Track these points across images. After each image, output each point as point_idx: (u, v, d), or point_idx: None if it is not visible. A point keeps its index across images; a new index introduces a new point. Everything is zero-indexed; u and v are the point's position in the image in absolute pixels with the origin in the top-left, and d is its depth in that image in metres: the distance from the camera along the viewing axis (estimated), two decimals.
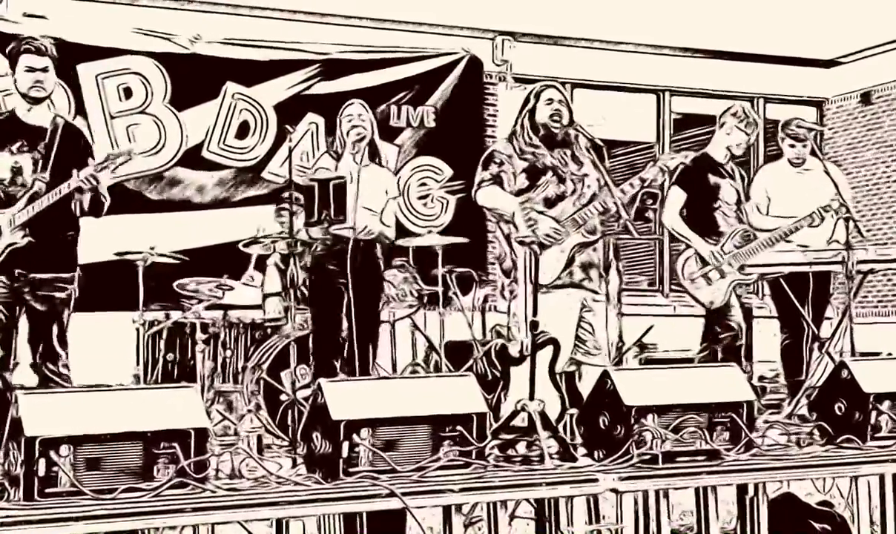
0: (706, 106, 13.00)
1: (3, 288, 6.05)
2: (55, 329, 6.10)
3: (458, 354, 7.51)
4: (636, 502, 5.49)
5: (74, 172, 5.97)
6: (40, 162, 6.02)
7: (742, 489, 5.71)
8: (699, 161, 7.79)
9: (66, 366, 6.13)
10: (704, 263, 7.72)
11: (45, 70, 6.06)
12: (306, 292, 6.61)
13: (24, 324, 6.21)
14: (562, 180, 6.49)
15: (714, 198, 7.82)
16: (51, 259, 6.11)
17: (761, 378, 9.22)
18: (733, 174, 7.90)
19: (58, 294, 6.10)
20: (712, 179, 7.84)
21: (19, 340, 6.26)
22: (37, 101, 6.09)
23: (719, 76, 12.79)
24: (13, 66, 6.08)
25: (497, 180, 6.50)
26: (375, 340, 7.00)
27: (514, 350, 5.94)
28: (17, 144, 6.02)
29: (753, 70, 12.86)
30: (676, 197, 7.80)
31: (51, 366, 6.07)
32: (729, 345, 7.82)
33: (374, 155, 6.98)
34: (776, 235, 7.64)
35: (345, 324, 6.56)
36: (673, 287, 12.54)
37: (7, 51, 6.19)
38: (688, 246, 7.82)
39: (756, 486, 5.69)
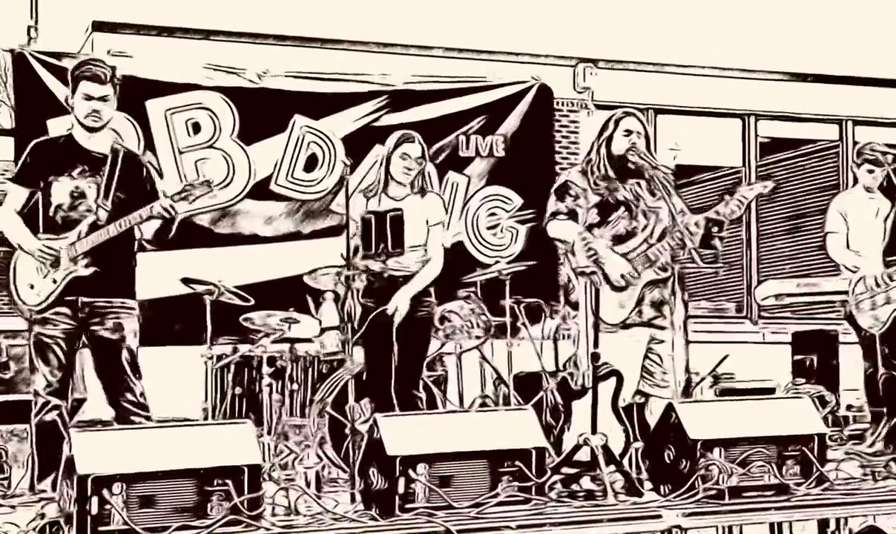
0: (793, 130, 12.80)
1: (65, 318, 5.91)
2: (127, 358, 5.95)
3: (528, 385, 7.42)
4: None
5: (157, 202, 5.84)
6: (102, 189, 5.88)
7: (823, 524, 5.54)
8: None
9: (143, 395, 5.98)
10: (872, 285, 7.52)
11: (103, 99, 5.90)
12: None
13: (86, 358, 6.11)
14: (633, 216, 6.36)
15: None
16: (115, 286, 5.95)
17: (849, 407, 9.01)
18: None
19: (127, 321, 5.95)
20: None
21: (85, 374, 6.20)
22: (92, 130, 5.94)
23: (806, 99, 12.55)
24: (73, 89, 5.94)
25: (573, 215, 6.38)
26: (416, 384, 6.72)
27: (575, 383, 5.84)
28: (78, 170, 5.90)
29: (841, 92, 12.59)
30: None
31: (130, 397, 5.94)
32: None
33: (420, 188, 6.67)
34: None
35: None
36: (762, 314, 12.31)
37: (70, 72, 6.04)
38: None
39: (838, 520, 5.51)
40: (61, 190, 5.91)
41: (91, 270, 5.87)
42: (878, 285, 7.38)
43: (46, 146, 6.13)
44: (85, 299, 5.90)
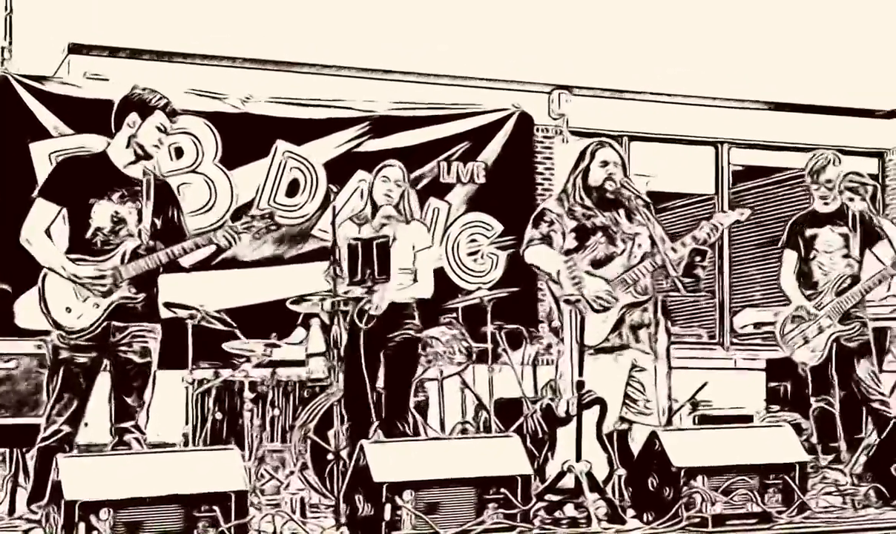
0: (765, 158, 12.90)
1: (95, 344, 5.76)
2: (149, 384, 5.87)
3: (509, 411, 7.44)
4: None
5: (218, 232, 5.88)
6: (142, 215, 5.83)
7: None
8: (803, 217, 7.63)
9: (137, 427, 5.84)
10: (799, 321, 7.50)
11: (167, 135, 5.98)
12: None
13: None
14: (612, 240, 6.38)
15: (809, 249, 7.56)
16: (141, 311, 5.85)
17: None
18: (843, 221, 7.60)
19: (153, 345, 5.87)
20: (809, 231, 7.64)
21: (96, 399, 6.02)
22: (146, 157, 5.90)
23: (778, 127, 12.65)
24: (145, 114, 5.90)
25: (546, 239, 6.40)
26: (405, 404, 6.76)
27: (560, 410, 5.86)
28: (118, 194, 5.81)
29: (813, 121, 12.70)
30: (788, 258, 7.61)
31: (136, 422, 5.82)
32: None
33: (403, 214, 6.84)
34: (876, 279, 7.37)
35: (379, 385, 6.45)
36: (734, 340, 12.37)
37: (147, 98, 5.96)
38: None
39: None
40: (102, 213, 5.79)
41: (142, 295, 5.80)
42: (807, 318, 7.40)
43: (74, 164, 6.08)
44: (117, 324, 5.78)
